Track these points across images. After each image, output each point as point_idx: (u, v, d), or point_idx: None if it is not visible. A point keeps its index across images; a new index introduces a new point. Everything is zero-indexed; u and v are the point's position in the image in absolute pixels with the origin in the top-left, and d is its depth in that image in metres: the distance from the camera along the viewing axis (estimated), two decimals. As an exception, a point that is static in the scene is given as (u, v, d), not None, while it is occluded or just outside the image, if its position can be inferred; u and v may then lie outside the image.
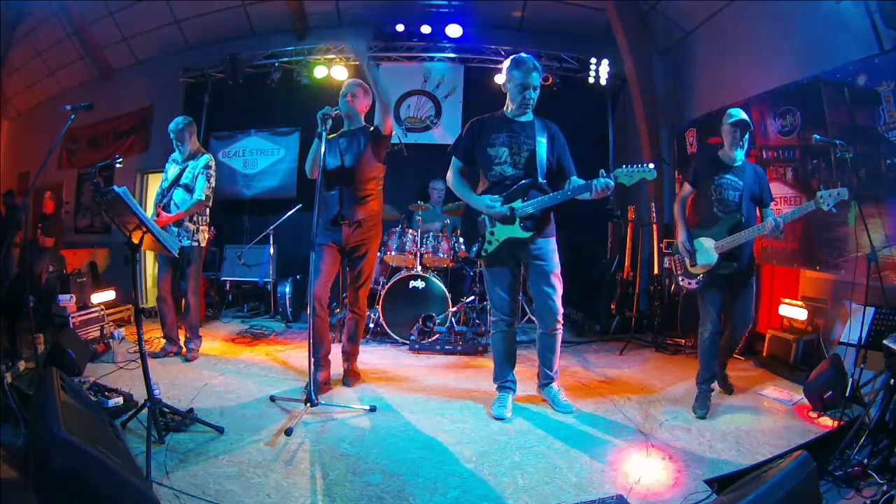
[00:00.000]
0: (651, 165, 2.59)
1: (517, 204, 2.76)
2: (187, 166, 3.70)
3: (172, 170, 3.76)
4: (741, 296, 3.02)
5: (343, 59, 6.06)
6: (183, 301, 3.82)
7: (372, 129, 3.22)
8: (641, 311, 4.96)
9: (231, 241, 5.87)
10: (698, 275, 2.99)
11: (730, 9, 4.63)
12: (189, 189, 3.68)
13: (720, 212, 2.94)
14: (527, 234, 2.77)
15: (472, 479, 2.14)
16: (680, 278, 3.10)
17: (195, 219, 3.73)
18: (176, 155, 3.79)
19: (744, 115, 2.91)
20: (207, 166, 3.70)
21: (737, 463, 2.32)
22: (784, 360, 3.65)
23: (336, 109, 2.97)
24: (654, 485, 2.12)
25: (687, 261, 3.02)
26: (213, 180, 3.74)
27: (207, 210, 3.81)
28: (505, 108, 2.90)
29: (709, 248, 2.94)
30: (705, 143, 5.11)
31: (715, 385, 3.06)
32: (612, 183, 2.60)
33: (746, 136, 2.91)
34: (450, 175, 2.93)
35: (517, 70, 2.75)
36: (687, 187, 3.13)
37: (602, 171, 2.63)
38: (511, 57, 2.83)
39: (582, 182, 2.70)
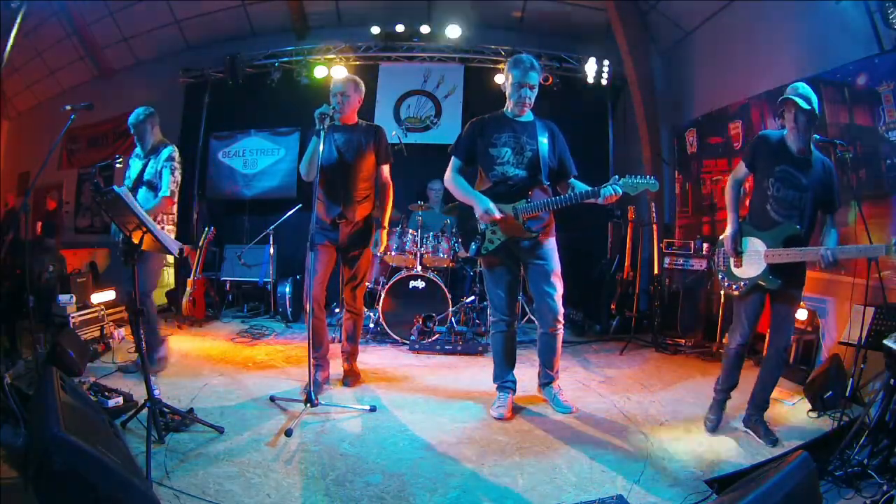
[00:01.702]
0: (653, 178, 2.60)
1: (521, 204, 2.76)
2: (149, 161, 3.36)
3: (135, 166, 3.43)
4: (783, 307, 2.58)
5: (343, 59, 6.07)
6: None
7: (376, 129, 3.23)
8: (641, 311, 4.96)
9: (231, 241, 5.87)
10: (742, 279, 2.59)
11: (730, 9, 4.64)
12: (153, 186, 3.32)
13: (775, 213, 2.50)
14: (530, 235, 2.78)
15: (472, 479, 2.14)
16: (720, 275, 2.70)
17: (159, 217, 3.37)
18: (138, 150, 3.46)
19: (796, 94, 2.38)
20: (171, 158, 3.34)
21: (737, 463, 2.32)
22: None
23: (332, 108, 2.96)
24: (655, 485, 2.12)
25: (732, 261, 2.64)
26: (178, 173, 3.37)
27: (174, 207, 3.48)
28: (505, 108, 2.90)
29: (757, 254, 2.53)
30: (705, 143, 5.12)
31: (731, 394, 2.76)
32: (620, 190, 2.59)
33: (805, 122, 2.41)
34: (449, 175, 2.90)
35: (515, 69, 2.77)
36: (742, 168, 2.67)
37: (615, 176, 2.63)
38: (511, 58, 2.86)
39: (589, 188, 2.70)
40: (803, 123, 2.42)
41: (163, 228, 3.33)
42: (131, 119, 3.42)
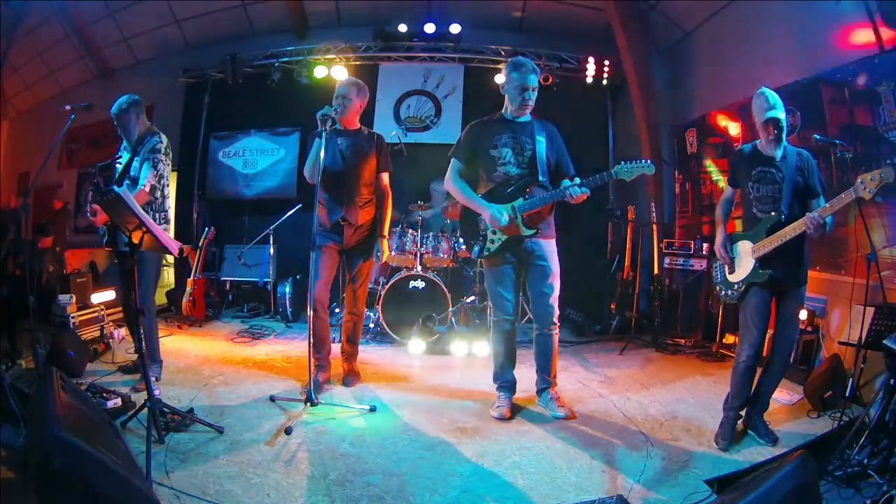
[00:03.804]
0: (649, 161, 2.65)
1: (518, 202, 2.77)
2: (136, 153, 3.08)
3: (123, 159, 3.16)
4: (785, 308, 2.56)
5: (343, 59, 6.07)
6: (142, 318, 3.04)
7: (378, 137, 3.25)
8: (641, 311, 4.96)
9: (231, 241, 5.87)
10: (735, 283, 2.60)
11: (730, 9, 4.64)
12: (136, 182, 3.02)
13: (760, 211, 2.54)
14: (530, 232, 2.79)
15: (472, 479, 2.14)
16: (719, 287, 2.73)
17: (152, 215, 3.04)
18: (125, 142, 3.19)
19: (776, 112, 2.47)
20: (154, 150, 3.05)
21: (737, 463, 2.32)
22: (784, 360, 3.65)
23: (334, 109, 2.97)
24: (655, 485, 2.12)
25: (726, 269, 2.67)
26: (161, 166, 3.05)
27: (168, 203, 3.19)
28: (503, 110, 2.92)
29: (746, 254, 2.56)
30: (705, 143, 5.12)
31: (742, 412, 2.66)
32: (587, 192, 2.66)
33: (783, 128, 2.50)
34: (450, 177, 2.93)
35: (516, 72, 2.80)
36: (727, 189, 2.78)
37: (601, 174, 2.68)
38: (510, 60, 2.90)
39: (579, 181, 2.72)
40: (781, 131, 2.49)
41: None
42: (114, 109, 3.14)
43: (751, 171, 2.57)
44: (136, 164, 3.07)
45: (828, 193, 2.48)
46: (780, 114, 2.48)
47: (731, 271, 2.64)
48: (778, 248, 2.42)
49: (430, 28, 5.90)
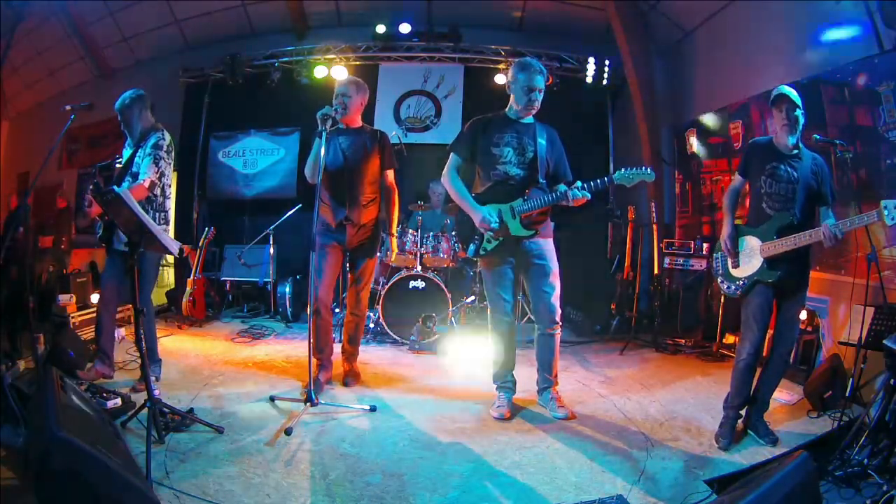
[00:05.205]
0: (649, 169, 2.65)
1: (517, 203, 2.77)
2: (138, 149, 3.04)
3: (125, 156, 3.13)
4: (786, 308, 2.57)
5: (343, 59, 6.07)
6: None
7: (381, 135, 3.25)
8: (641, 311, 4.96)
9: (231, 241, 5.87)
10: (739, 279, 2.59)
11: (730, 9, 4.64)
12: (136, 177, 2.98)
13: (769, 208, 2.51)
14: (528, 233, 2.78)
15: (471, 479, 2.14)
16: (720, 279, 2.71)
17: (151, 214, 3.01)
18: (129, 139, 3.15)
19: (786, 90, 2.46)
20: (156, 146, 3.00)
21: (737, 463, 2.32)
22: (784, 360, 3.65)
23: (335, 109, 2.97)
24: (655, 485, 2.12)
25: (729, 262, 2.64)
26: (163, 163, 3.00)
27: (169, 204, 3.15)
28: (507, 109, 2.91)
29: (753, 250, 2.54)
30: (706, 143, 5.12)
31: (742, 411, 2.65)
32: (587, 195, 2.68)
33: (798, 116, 2.46)
34: (447, 172, 2.90)
35: (522, 73, 2.79)
36: (736, 178, 2.72)
37: (595, 180, 2.69)
38: (516, 60, 2.89)
39: (579, 184, 2.74)
40: (794, 119, 2.46)
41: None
42: (117, 104, 3.12)
43: (764, 165, 2.54)
44: (137, 159, 3.02)
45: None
46: (792, 94, 2.46)
47: (736, 266, 2.61)
48: (788, 250, 2.42)
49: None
